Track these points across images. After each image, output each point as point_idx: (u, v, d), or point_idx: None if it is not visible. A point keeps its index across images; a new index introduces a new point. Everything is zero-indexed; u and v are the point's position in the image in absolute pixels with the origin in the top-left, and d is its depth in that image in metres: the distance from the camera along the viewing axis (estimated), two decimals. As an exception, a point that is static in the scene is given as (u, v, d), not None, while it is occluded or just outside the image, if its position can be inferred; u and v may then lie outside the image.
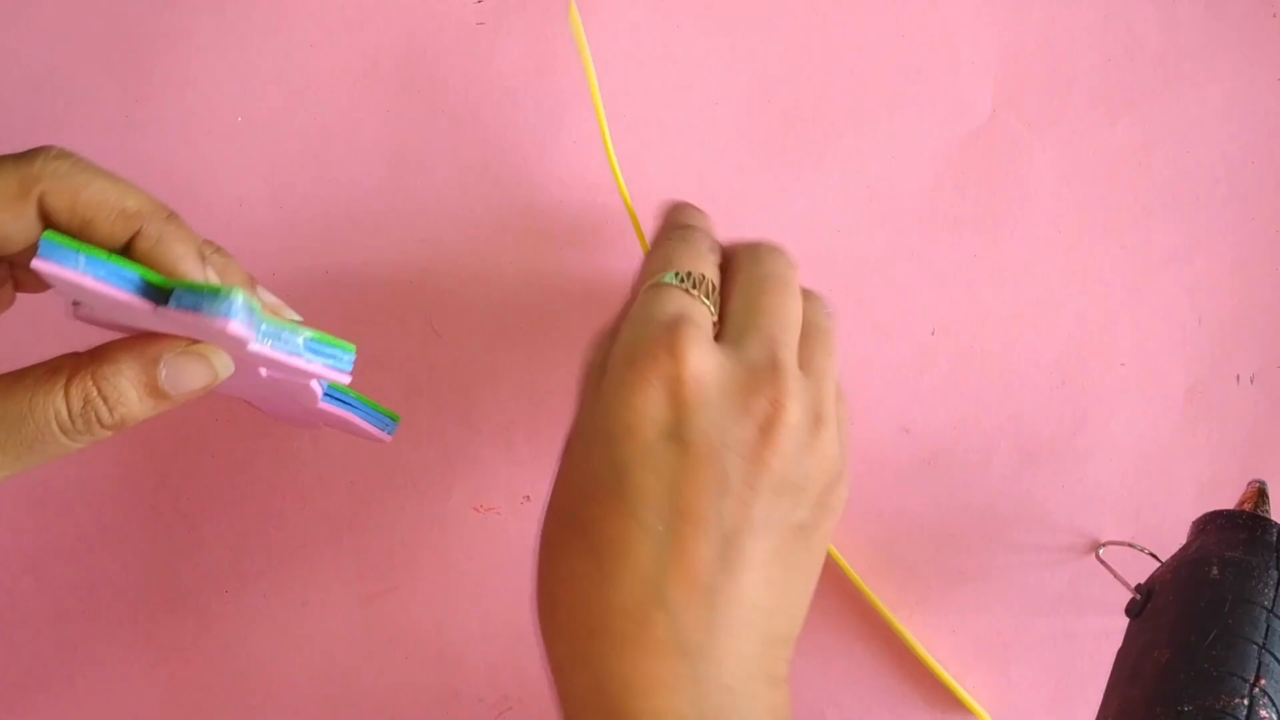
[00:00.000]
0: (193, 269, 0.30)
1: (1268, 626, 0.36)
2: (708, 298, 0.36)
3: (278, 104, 0.46)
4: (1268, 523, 0.40)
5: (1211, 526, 0.41)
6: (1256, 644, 0.35)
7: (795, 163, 0.48)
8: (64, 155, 0.29)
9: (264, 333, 0.30)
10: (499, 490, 0.47)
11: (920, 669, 0.49)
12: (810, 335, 0.37)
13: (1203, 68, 0.49)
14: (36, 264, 0.27)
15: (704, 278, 0.36)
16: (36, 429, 0.28)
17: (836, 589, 0.49)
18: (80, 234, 0.29)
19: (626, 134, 0.47)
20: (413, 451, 0.47)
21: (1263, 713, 0.34)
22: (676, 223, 0.40)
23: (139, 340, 0.30)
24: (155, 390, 0.30)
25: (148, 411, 0.30)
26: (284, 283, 0.46)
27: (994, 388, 0.49)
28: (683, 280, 0.36)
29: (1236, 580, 0.37)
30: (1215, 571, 0.38)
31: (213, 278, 0.31)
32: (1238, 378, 0.50)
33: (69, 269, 0.27)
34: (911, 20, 0.48)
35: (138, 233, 0.29)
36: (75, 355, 0.30)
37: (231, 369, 0.31)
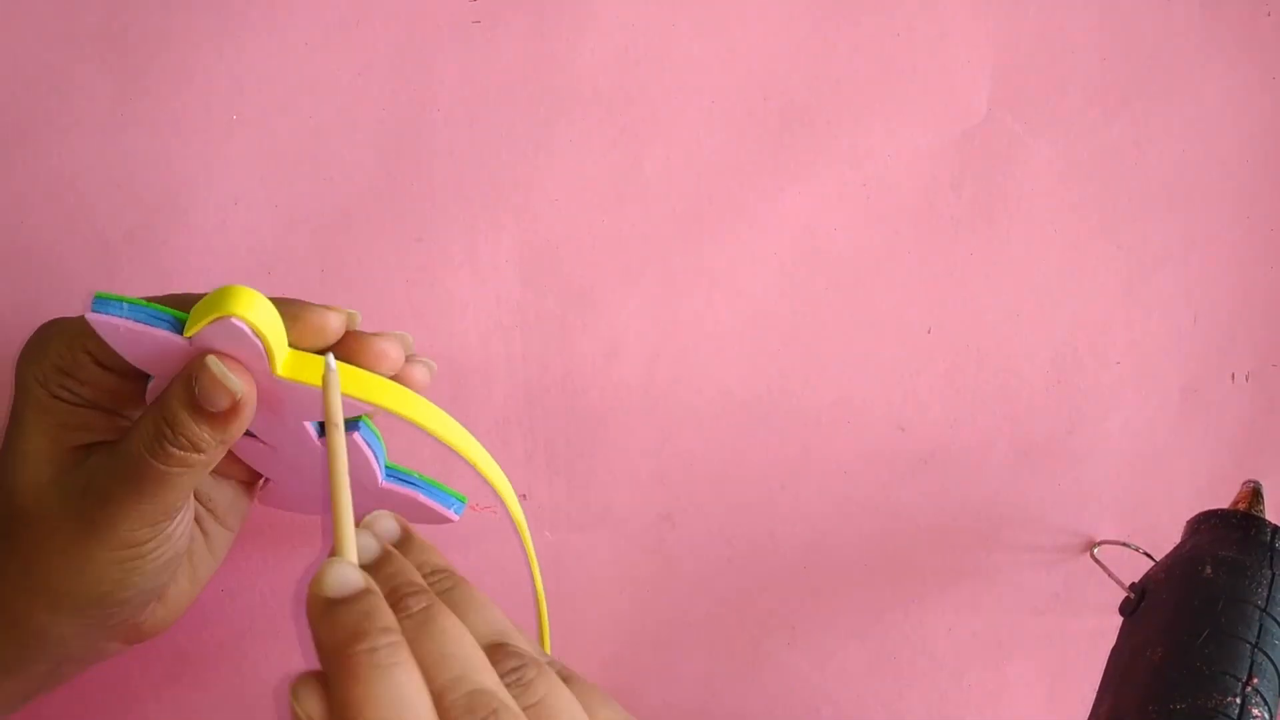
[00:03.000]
0: (298, 311, 0.34)
1: (1260, 626, 0.36)
2: None
3: (273, 102, 0.46)
4: (1262, 522, 0.40)
5: (1205, 526, 0.41)
6: (1249, 643, 0.36)
7: (791, 162, 0.48)
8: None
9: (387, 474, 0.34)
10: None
11: (919, 668, 0.49)
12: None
13: (1198, 67, 0.49)
14: (89, 315, 0.32)
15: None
16: (137, 465, 0.32)
17: (831, 587, 0.49)
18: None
19: (623, 135, 0.47)
20: (408, 450, 0.47)
21: (1255, 711, 0.34)
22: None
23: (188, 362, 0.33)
24: (198, 407, 0.32)
25: (209, 433, 0.32)
26: (279, 281, 0.46)
27: (990, 386, 0.49)
28: None
29: (1230, 580, 0.37)
30: (1209, 571, 0.38)
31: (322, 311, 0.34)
32: (1233, 376, 0.50)
33: (113, 315, 0.32)
34: (907, 19, 0.48)
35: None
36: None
37: (239, 386, 0.33)
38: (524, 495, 0.47)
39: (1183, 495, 0.49)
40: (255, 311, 0.32)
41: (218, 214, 0.46)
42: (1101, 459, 0.49)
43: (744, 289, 0.48)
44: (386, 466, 0.37)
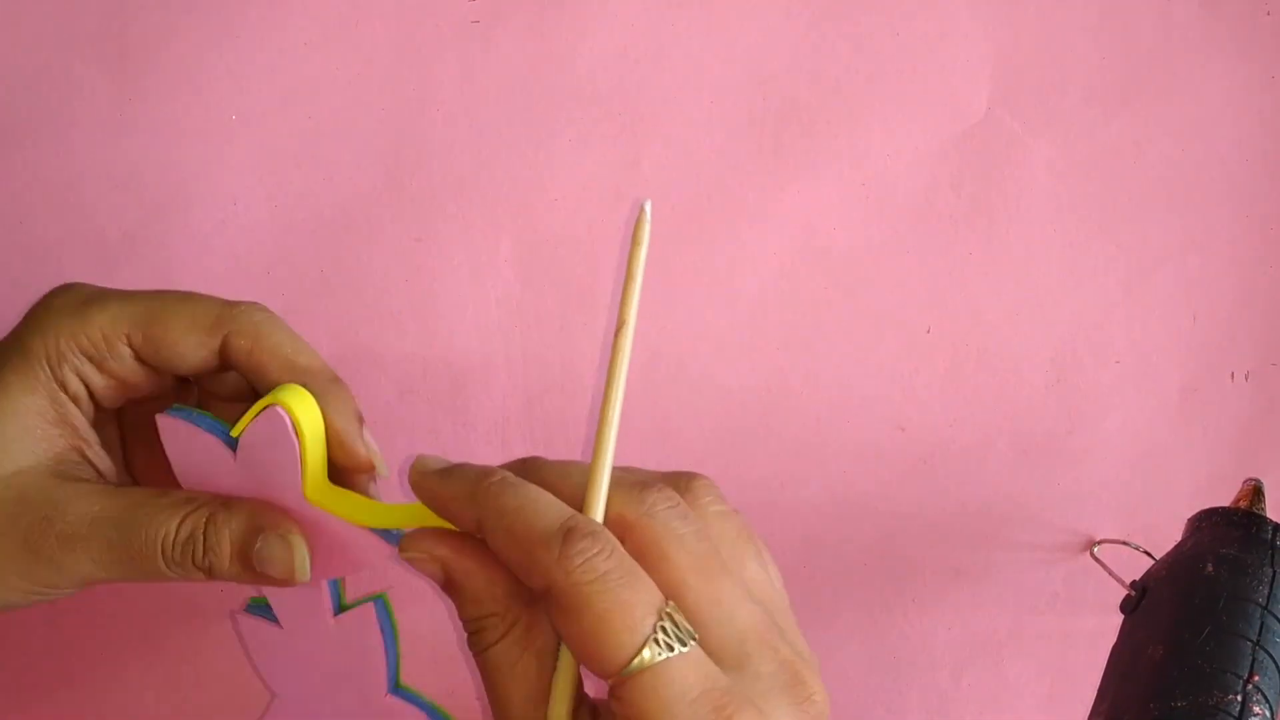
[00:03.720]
0: (348, 428, 0.32)
1: (1262, 623, 0.36)
2: (692, 638, 0.26)
3: (272, 102, 0.46)
4: (1263, 520, 0.40)
5: (1207, 524, 0.41)
6: (1250, 641, 0.36)
7: (791, 161, 0.48)
8: (263, 311, 0.32)
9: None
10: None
11: (918, 667, 0.49)
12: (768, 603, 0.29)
13: (1198, 66, 0.49)
14: (160, 417, 0.31)
15: (672, 613, 0.26)
16: (144, 543, 0.30)
17: (830, 586, 0.49)
18: (250, 375, 0.32)
19: (622, 134, 0.47)
20: (407, 450, 0.47)
21: (1255, 709, 0.34)
22: (579, 531, 0.27)
23: (262, 506, 0.31)
24: (243, 554, 0.31)
25: (234, 574, 0.31)
26: (279, 281, 0.46)
27: (989, 386, 0.49)
28: (669, 636, 0.26)
29: (1231, 577, 0.37)
30: (1210, 569, 0.38)
31: (370, 442, 0.33)
32: (1232, 375, 0.50)
33: (179, 417, 0.31)
34: (906, 18, 0.48)
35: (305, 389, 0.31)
36: (214, 497, 0.32)
37: (308, 575, 0.31)
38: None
39: (1182, 494, 0.49)
40: (301, 407, 0.30)
41: (217, 214, 0.46)
42: (1101, 458, 0.49)
43: (743, 288, 0.48)
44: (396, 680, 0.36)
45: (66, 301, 0.32)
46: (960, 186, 0.48)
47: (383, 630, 0.35)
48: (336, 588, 0.35)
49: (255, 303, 0.32)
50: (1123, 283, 0.49)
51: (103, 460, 0.33)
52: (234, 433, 0.31)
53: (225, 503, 0.31)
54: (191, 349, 0.31)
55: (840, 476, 0.48)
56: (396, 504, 0.32)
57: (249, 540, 0.31)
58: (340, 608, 0.34)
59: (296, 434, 0.30)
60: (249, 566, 0.31)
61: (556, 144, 0.47)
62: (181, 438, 0.31)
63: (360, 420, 0.32)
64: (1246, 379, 0.50)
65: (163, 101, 0.45)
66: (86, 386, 0.32)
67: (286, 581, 0.31)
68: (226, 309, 0.32)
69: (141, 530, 0.30)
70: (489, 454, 0.47)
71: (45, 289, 0.45)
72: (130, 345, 0.31)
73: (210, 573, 0.31)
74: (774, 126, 0.48)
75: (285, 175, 0.46)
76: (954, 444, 0.49)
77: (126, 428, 0.35)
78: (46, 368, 0.31)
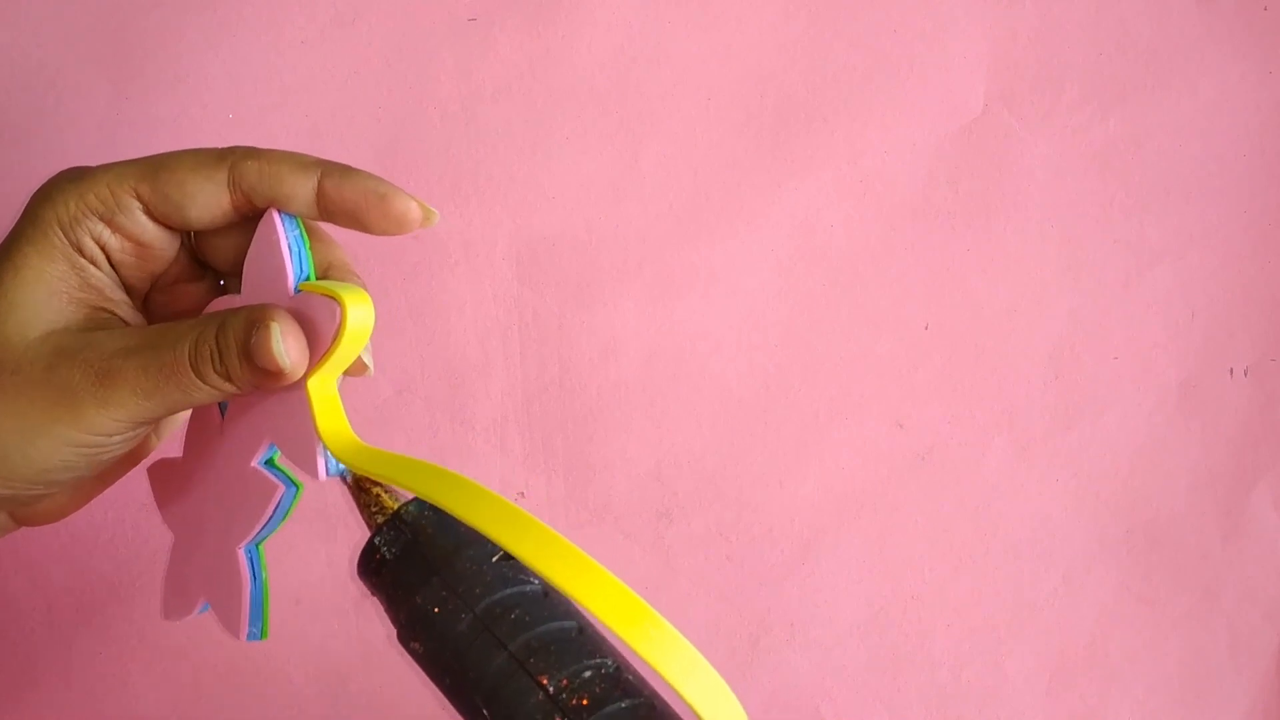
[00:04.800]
0: (384, 184, 0.32)
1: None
2: None
3: (269, 101, 0.46)
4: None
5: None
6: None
7: (788, 158, 0.48)
8: (254, 148, 0.32)
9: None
10: (492, 486, 0.47)
11: (917, 664, 0.49)
12: None
13: (1195, 61, 0.49)
14: (273, 210, 0.31)
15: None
16: (175, 361, 0.31)
17: (829, 583, 0.49)
18: (268, 190, 0.32)
19: (619, 131, 0.47)
20: (406, 449, 0.47)
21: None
22: None
23: (258, 306, 0.32)
24: (245, 350, 0.31)
25: (249, 377, 0.31)
26: (276, 280, 0.46)
27: (987, 383, 0.49)
28: None
29: None
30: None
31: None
32: (1231, 371, 0.50)
33: (284, 226, 0.31)
34: (904, 16, 0.48)
35: (321, 173, 0.32)
36: (228, 309, 0.32)
37: (292, 353, 0.31)
38: (521, 493, 0.47)
39: (1181, 489, 0.49)
40: (360, 315, 0.30)
41: (214, 213, 0.46)
42: (1100, 454, 0.49)
43: (741, 285, 0.48)
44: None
45: (70, 173, 0.32)
46: (958, 183, 0.48)
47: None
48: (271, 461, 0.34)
49: (239, 146, 0.33)
50: (1121, 278, 0.49)
51: (136, 318, 0.33)
52: (300, 286, 0.31)
53: (234, 309, 0.32)
54: (200, 187, 0.31)
55: (838, 473, 0.48)
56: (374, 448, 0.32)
57: (248, 335, 0.31)
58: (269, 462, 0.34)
59: (337, 332, 0.31)
60: (254, 365, 0.31)
61: (554, 142, 0.47)
62: (262, 243, 0.31)
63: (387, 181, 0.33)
64: (1245, 374, 0.50)
65: (160, 101, 0.45)
66: (104, 250, 0.32)
67: (278, 375, 0.31)
68: (227, 149, 0.32)
69: (169, 348, 0.31)
70: (487, 452, 0.47)
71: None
72: (139, 198, 0.31)
73: (229, 379, 0.31)
74: (772, 124, 0.48)
75: (282, 174, 0.46)
76: (952, 440, 0.49)
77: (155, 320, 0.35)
78: (60, 233, 0.31)
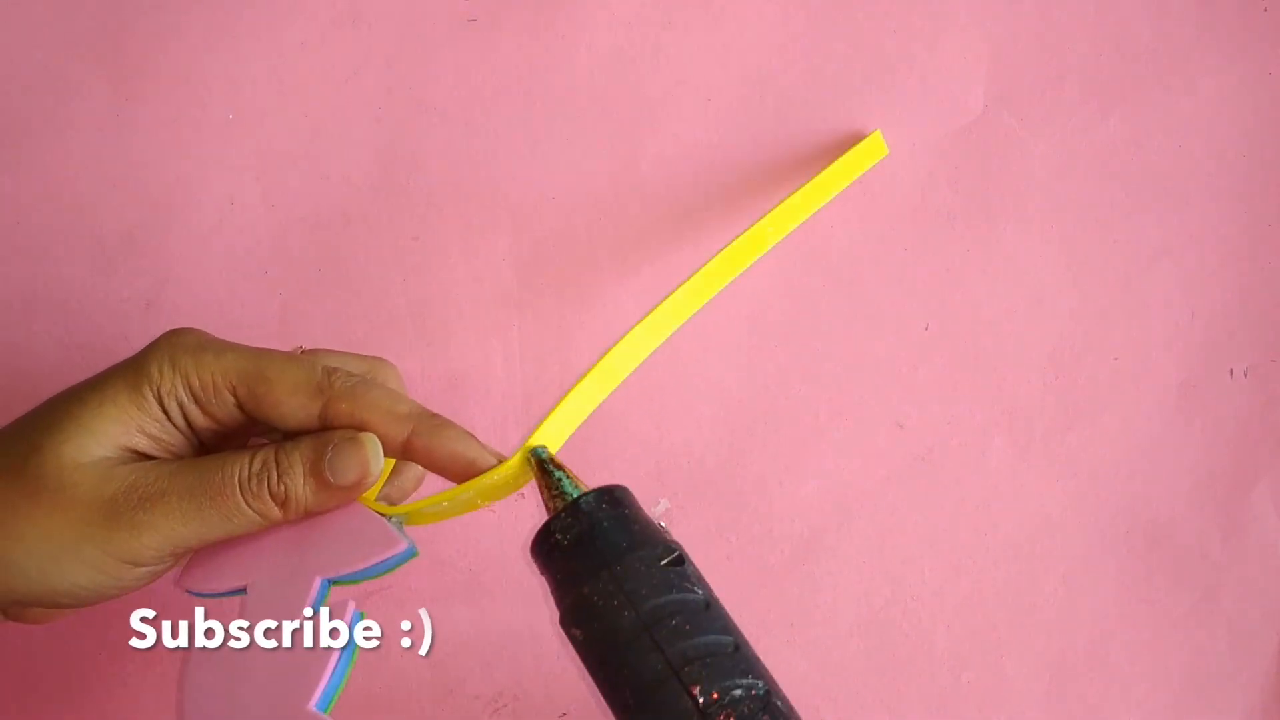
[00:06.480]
0: (475, 455, 0.34)
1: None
2: None
3: (269, 102, 0.46)
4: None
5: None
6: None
7: (788, 159, 0.48)
8: (356, 375, 0.34)
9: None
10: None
11: (917, 665, 0.49)
12: None
13: (1195, 61, 0.49)
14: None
15: None
16: (222, 480, 0.32)
17: (829, 584, 0.49)
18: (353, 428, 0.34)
19: (620, 131, 0.47)
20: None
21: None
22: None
23: (321, 432, 0.34)
24: (317, 470, 0.32)
25: (309, 496, 0.33)
26: (276, 281, 0.46)
27: (988, 383, 0.49)
28: None
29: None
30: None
31: (493, 450, 0.35)
32: (1231, 372, 0.50)
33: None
34: (903, 16, 0.48)
35: (412, 431, 0.34)
36: (277, 442, 0.34)
37: (381, 463, 0.33)
38: (521, 494, 0.47)
39: (1182, 490, 0.49)
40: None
41: (214, 214, 0.46)
42: (1100, 455, 0.49)
43: (741, 286, 0.48)
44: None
45: (186, 341, 0.34)
46: (958, 183, 0.48)
47: (338, 665, 0.34)
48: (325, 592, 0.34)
49: (349, 372, 0.34)
50: (1121, 279, 0.49)
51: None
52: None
53: (294, 439, 0.34)
54: (293, 411, 0.33)
55: (839, 474, 0.48)
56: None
57: (320, 453, 0.33)
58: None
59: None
60: (324, 482, 0.33)
61: (554, 142, 0.47)
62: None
63: (473, 437, 0.34)
64: (1245, 375, 0.50)
65: (160, 102, 0.45)
66: (187, 420, 0.34)
67: (362, 484, 0.33)
68: (327, 377, 0.34)
69: (218, 470, 0.32)
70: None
71: (43, 289, 0.45)
72: (235, 395, 0.33)
73: (286, 501, 0.33)
74: (771, 124, 0.48)
75: (282, 175, 0.46)
76: (952, 441, 0.49)
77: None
78: (155, 391, 0.33)
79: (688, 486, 0.48)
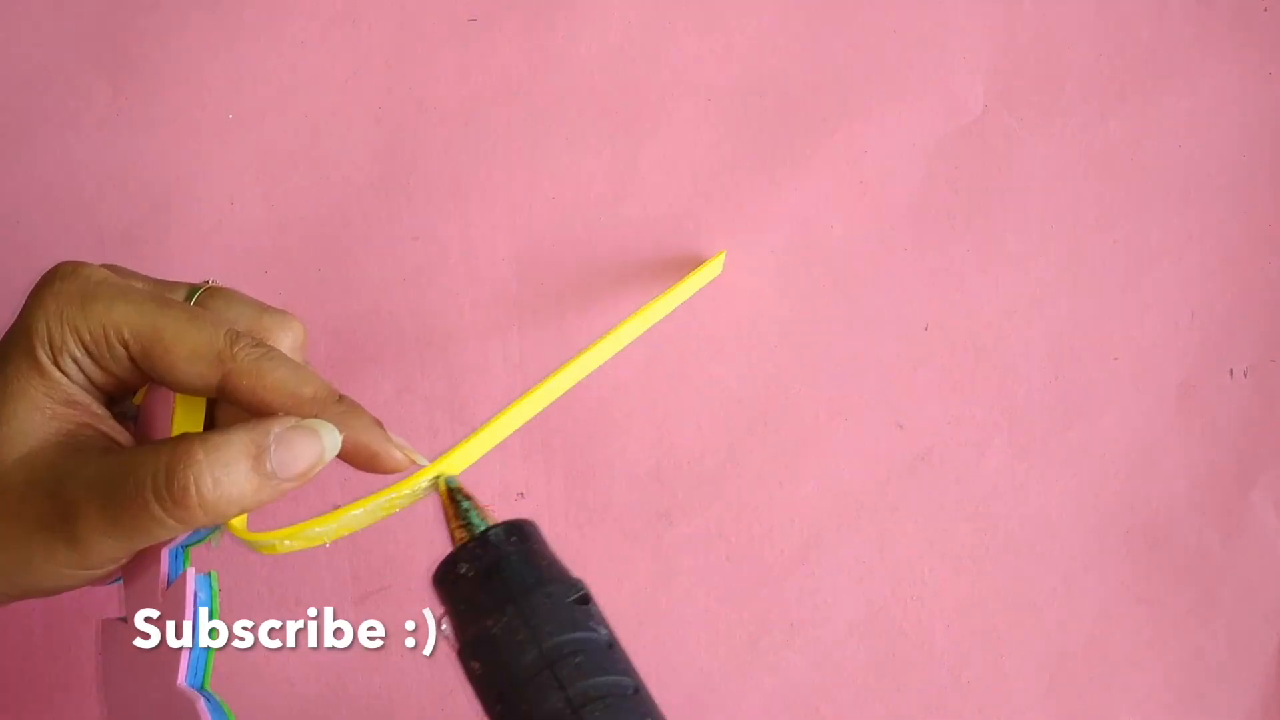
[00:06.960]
0: (376, 443, 0.32)
1: None
2: None
3: (269, 101, 0.46)
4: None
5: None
6: None
7: (787, 158, 0.48)
8: (263, 346, 0.32)
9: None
10: (492, 487, 0.47)
11: (917, 665, 0.49)
12: None
13: (1195, 61, 0.49)
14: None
15: None
16: (134, 491, 0.29)
17: (828, 584, 0.49)
18: (251, 409, 0.31)
19: (619, 132, 0.47)
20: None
21: None
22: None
23: (255, 418, 0.31)
24: (261, 465, 0.30)
25: (251, 493, 0.30)
26: (275, 280, 0.46)
27: (987, 383, 0.49)
28: None
29: None
30: None
31: (400, 441, 0.33)
32: (1231, 372, 0.50)
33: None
34: (903, 15, 0.48)
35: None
36: (199, 433, 0.31)
37: (338, 448, 0.31)
38: (521, 493, 0.47)
39: (1182, 490, 0.49)
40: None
41: (214, 213, 0.46)
42: (1100, 455, 0.49)
43: (740, 286, 0.48)
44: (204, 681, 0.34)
45: (69, 288, 0.31)
46: (957, 183, 0.48)
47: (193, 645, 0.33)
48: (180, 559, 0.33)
49: (253, 340, 0.32)
50: (1120, 279, 0.49)
51: (120, 434, 0.32)
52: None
53: (214, 431, 0.31)
54: (189, 379, 0.31)
55: (838, 474, 0.48)
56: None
57: (260, 440, 0.30)
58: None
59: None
60: (267, 474, 0.30)
61: (554, 142, 0.47)
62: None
63: (380, 426, 0.32)
64: (1245, 375, 0.50)
65: (160, 101, 0.45)
66: (85, 376, 0.31)
67: (315, 466, 0.30)
68: (229, 345, 0.31)
69: (128, 479, 0.29)
70: (490, 451, 0.47)
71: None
72: (128, 351, 0.31)
73: (221, 503, 0.29)
74: (771, 124, 0.48)
75: (282, 174, 0.46)
76: (952, 441, 0.49)
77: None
78: (49, 351, 0.31)
79: (688, 486, 0.48)
